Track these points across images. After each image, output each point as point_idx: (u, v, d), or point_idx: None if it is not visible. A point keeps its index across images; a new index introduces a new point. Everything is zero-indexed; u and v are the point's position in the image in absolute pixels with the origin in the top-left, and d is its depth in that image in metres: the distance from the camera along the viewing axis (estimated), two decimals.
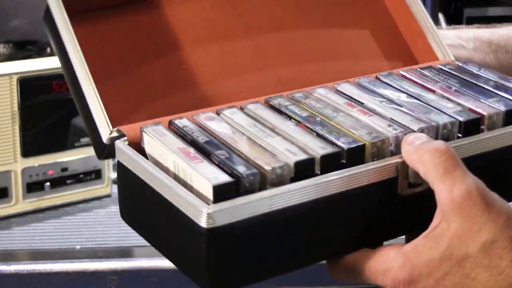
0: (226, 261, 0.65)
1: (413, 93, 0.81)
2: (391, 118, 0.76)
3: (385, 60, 0.90)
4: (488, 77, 0.84)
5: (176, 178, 0.68)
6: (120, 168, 0.73)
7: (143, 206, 0.72)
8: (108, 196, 1.57)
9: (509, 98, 0.80)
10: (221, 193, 0.64)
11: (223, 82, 0.84)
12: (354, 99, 0.80)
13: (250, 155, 0.69)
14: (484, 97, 0.80)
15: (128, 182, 0.72)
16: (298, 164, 0.68)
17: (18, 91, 1.45)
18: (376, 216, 0.71)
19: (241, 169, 0.66)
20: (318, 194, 0.67)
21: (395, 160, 0.71)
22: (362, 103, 0.79)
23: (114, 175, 1.60)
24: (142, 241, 1.45)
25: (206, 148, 0.70)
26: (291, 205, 0.66)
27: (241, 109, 0.77)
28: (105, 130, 0.74)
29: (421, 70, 0.86)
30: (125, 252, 1.39)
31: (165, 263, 1.34)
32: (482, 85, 0.83)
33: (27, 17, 1.80)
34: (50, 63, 1.50)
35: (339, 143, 0.71)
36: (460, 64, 0.88)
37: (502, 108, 0.78)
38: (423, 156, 0.68)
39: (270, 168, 0.67)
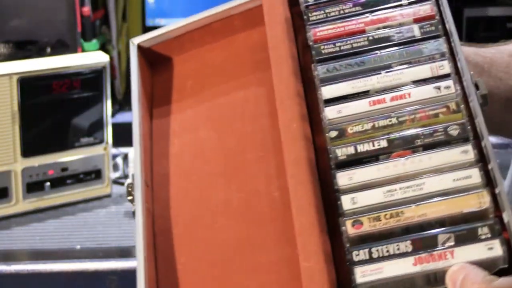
0: None
1: None
2: None
3: None
4: None
5: None
6: None
7: None
8: (108, 196, 1.57)
9: None
10: None
11: None
12: None
13: None
14: None
15: None
16: None
17: (18, 91, 1.45)
18: None
19: None
20: None
21: None
22: None
23: (114, 175, 1.60)
24: None
25: None
26: None
27: None
28: None
29: None
30: (125, 252, 1.39)
31: None
32: None
33: (27, 17, 1.80)
34: (50, 63, 1.50)
35: None
36: None
37: None
38: None
39: None
